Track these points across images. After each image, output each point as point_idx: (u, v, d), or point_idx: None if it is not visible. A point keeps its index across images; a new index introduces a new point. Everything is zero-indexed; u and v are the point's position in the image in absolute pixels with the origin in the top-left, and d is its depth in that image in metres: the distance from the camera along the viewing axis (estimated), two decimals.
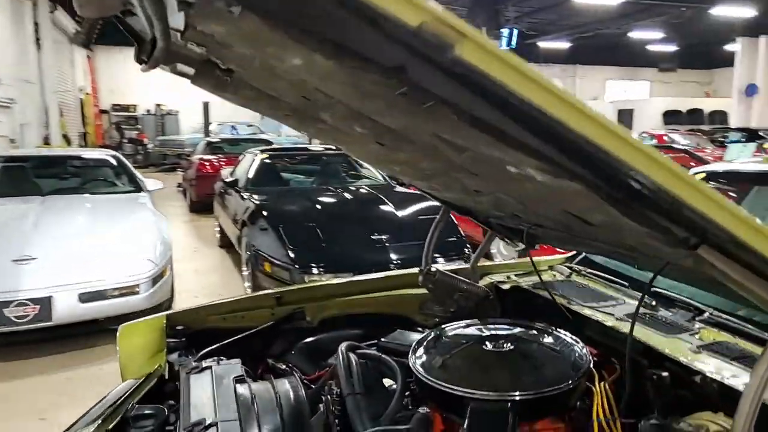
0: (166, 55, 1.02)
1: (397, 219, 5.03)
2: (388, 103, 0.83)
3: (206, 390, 1.48)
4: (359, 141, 1.63)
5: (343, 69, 0.72)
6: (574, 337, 1.54)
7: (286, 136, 21.30)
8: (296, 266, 4.36)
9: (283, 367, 1.91)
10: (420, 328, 2.08)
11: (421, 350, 1.54)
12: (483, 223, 2.10)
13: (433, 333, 1.64)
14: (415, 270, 2.23)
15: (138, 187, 6.11)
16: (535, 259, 2.48)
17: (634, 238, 1.07)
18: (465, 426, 1.24)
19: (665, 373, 1.40)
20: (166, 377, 1.75)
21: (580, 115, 0.62)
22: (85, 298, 4.05)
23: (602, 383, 1.44)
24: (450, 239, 4.84)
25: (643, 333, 1.60)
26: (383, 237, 4.65)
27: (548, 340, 1.54)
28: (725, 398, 1.28)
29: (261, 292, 2.16)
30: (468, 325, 1.68)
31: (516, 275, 2.29)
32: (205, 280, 6.24)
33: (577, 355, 1.45)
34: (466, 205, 1.96)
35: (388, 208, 5.21)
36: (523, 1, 17.53)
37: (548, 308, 1.95)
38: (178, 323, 1.97)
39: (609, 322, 1.69)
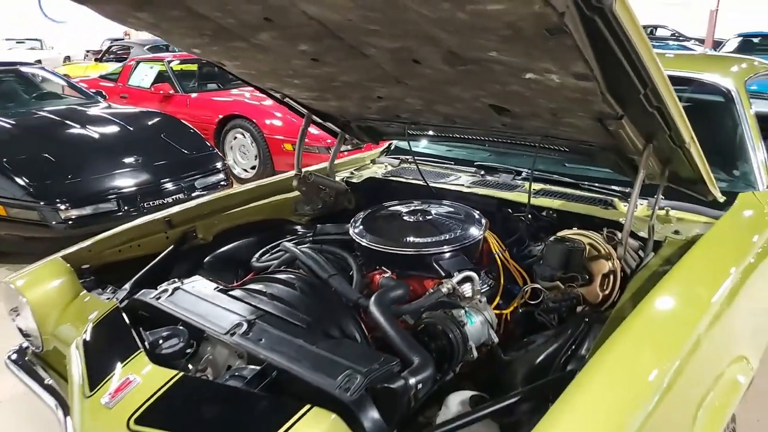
0: None
1: (138, 137, 4.74)
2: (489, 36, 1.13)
3: (199, 305, 1.56)
4: (282, 57, 1.77)
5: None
6: (465, 206, 2.05)
7: None
8: (42, 202, 3.87)
9: None
10: (300, 228, 2.36)
11: (365, 232, 1.86)
12: (341, 127, 2.42)
13: (364, 217, 1.96)
14: (284, 176, 2.45)
15: None
16: (358, 156, 2.93)
17: (557, 121, 1.61)
18: (443, 274, 1.67)
19: (528, 215, 2.05)
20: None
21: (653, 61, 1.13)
22: None
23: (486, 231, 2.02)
24: (202, 154, 4.84)
25: (490, 192, 2.23)
26: (134, 159, 4.40)
27: (452, 209, 2.02)
28: (566, 221, 1.99)
29: (148, 218, 2.11)
30: (392, 206, 2.05)
31: (355, 170, 2.70)
32: None
33: (476, 216, 1.97)
34: (341, 112, 2.25)
35: (121, 128, 4.84)
36: None
37: (403, 189, 2.43)
38: (78, 263, 1.85)
39: (464, 187, 2.27)
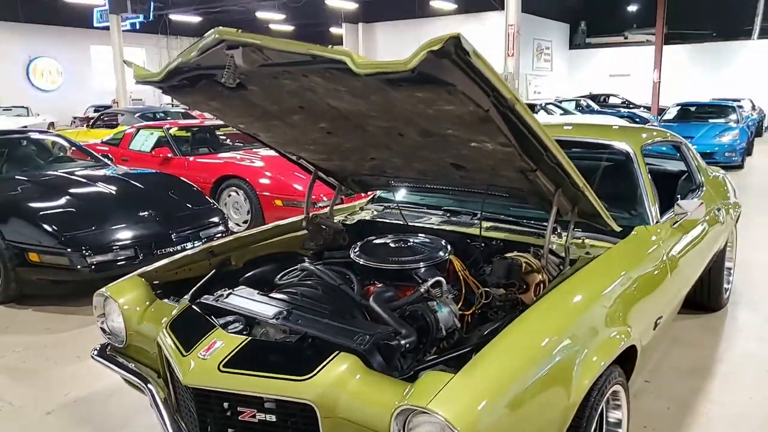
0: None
1: (150, 194, 5.37)
2: (447, 119, 1.87)
3: (249, 303, 2.20)
4: (305, 131, 2.48)
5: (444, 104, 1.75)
6: (435, 237, 2.75)
7: None
8: (69, 249, 4.45)
9: None
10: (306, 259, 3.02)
11: (363, 255, 2.54)
12: (339, 181, 3.14)
13: (360, 245, 2.65)
14: (295, 219, 3.14)
15: None
16: (349, 205, 3.64)
17: (495, 173, 2.35)
18: (420, 281, 2.35)
19: (482, 243, 2.76)
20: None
21: (545, 135, 1.87)
22: None
23: (451, 255, 2.72)
24: (204, 208, 5.49)
25: (454, 228, 2.94)
26: (147, 213, 5.01)
27: (426, 239, 2.72)
28: (509, 247, 2.70)
29: (196, 249, 2.77)
30: (380, 238, 2.73)
31: (348, 215, 3.40)
32: None
33: (443, 243, 2.67)
34: (342, 170, 2.96)
35: (134, 186, 5.50)
36: None
37: (388, 228, 3.13)
38: (150, 280, 2.49)
39: (434, 226, 2.99)
